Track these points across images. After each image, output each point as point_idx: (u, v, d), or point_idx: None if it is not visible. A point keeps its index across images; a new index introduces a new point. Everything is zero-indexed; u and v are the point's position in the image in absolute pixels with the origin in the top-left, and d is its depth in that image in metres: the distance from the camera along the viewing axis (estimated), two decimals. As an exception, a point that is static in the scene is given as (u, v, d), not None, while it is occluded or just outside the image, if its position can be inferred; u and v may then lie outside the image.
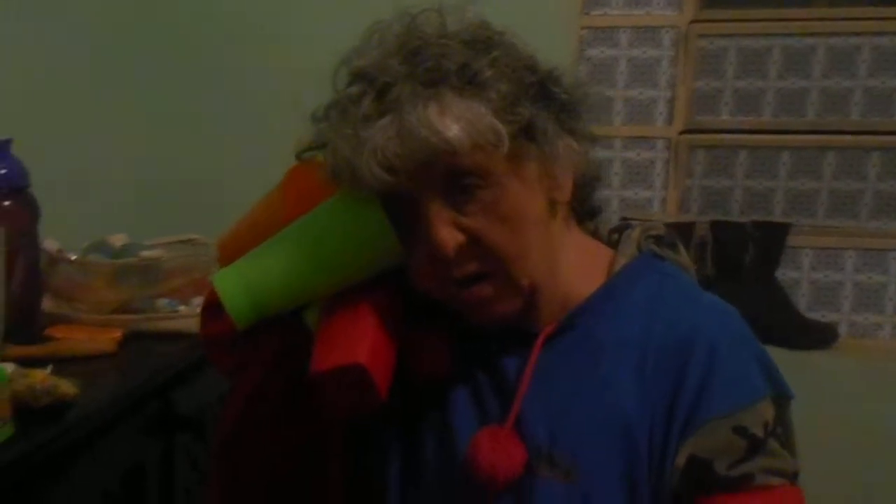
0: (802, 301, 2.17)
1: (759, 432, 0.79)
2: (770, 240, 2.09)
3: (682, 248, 0.94)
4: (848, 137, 2.13)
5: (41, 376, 0.97)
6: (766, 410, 0.81)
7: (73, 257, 1.30)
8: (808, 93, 2.14)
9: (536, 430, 0.83)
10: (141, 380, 1.16)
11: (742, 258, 2.10)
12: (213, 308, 0.87)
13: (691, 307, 0.87)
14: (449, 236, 0.78)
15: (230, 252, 0.89)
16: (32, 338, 1.18)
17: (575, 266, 0.88)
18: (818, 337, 2.10)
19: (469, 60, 0.78)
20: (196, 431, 1.24)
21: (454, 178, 0.78)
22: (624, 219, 0.98)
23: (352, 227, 0.82)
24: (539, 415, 0.84)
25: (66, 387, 0.98)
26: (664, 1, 2.14)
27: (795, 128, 2.15)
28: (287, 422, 0.89)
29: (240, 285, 0.82)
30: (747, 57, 2.15)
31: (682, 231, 2.12)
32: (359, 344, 0.79)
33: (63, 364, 1.10)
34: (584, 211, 0.92)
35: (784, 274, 2.15)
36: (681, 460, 0.79)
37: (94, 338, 1.22)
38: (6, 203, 1.15)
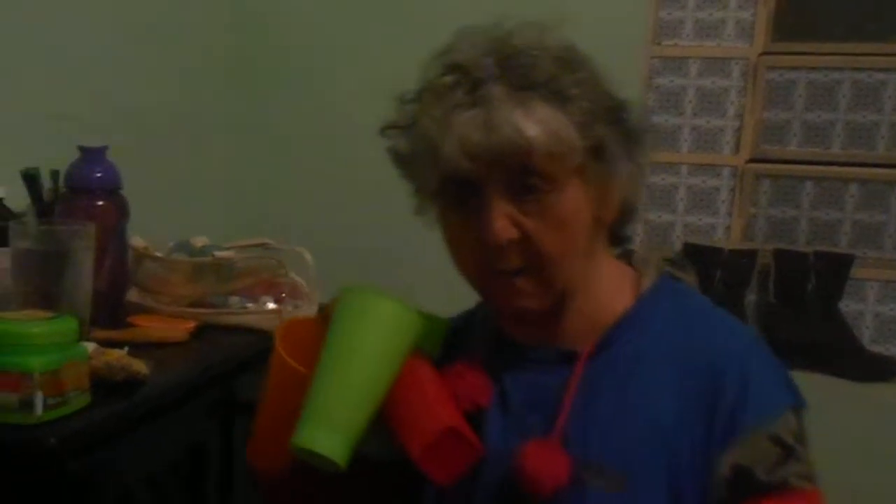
0: (866, 333, 2.16)
1: (790, 440, 0.87)
2: (832, 271, 2.10)
3: (691, 270, 1.03)
4: (917, 171, 2.13)
5: (117, 355, 1.10)
6: (792, 419, 0.88)
7: (158, 254, 1.44)
8: (877, 126, 2.14)
9: (583, 442, 0.88)
10: (207, 366, 1.28)
11: (804, 287, 2.11)
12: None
13: (714, 325, 0.95)
14: (504, 229, 0.85)
15: (270, 449, 0.96)
16: (116, 324, 1.32)
17: (606, 282, 0.96)
18: (879, 369, 2.09)
19: (558, 75, 0.85)
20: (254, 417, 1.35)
21: (522, 176, 0.85)
22: (626, 250, 1.03)
23: (382, 326, 0.88)
24: (584, 428, 0.89)
25: (139, 366, 1.11)
26: (735, 33, 2.19)
27: (864, 160, 2.16)
28: None
29: (328, 432, 0.85)
30: (816, 89, 2.17)
31: (746, 258, 2.15)
32: (436, 412, 0.87)
33: (140, 348, 1.22)
34: (617, 236, 0.98)
35: (848, 306, 2.15)
36: (725, 470, 0.86)
37: (169, 327, 1.35)
38: (99, 203, 1.29)
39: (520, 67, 0.85)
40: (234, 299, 1.48)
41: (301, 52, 2.21)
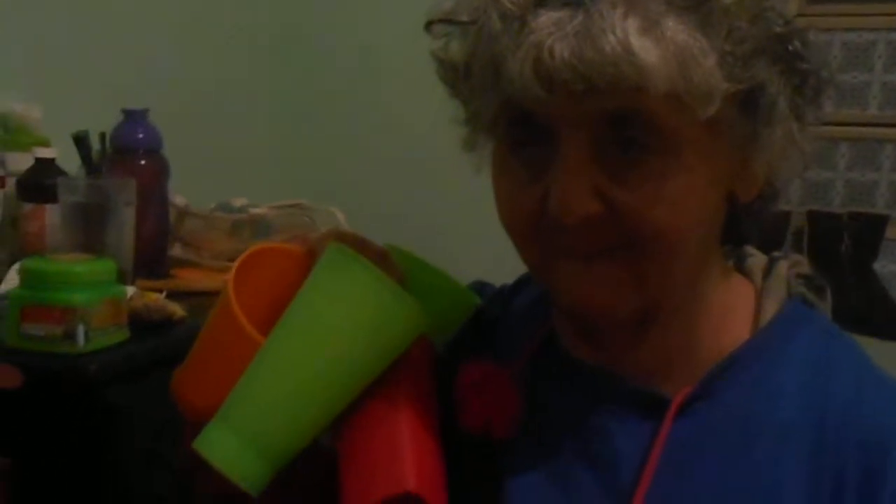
0: (902, 294, 2.17)
1: None
2: (867, 231, 2.11)
3: (828, 294, 0.72)
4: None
5: (155, 297, 1.20)
6: None
7: (197, 211, 1.54)
8: (914, 86, 2.14)
9: None
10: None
11: (838, 249, 2.12)
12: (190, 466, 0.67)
13: (875, 390, 0.65)
14: (579, 201, 0.58)
15: (194, 397, 0.70)
16: (159, 275, 1.42)
17: (719, 303, 0.67)
18: (914, 329, 2.09)
19: None
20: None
21: (621, 123, 0.57)
22: (735, 250, 0.73)
23: (363, 316, 0.63)
24: None
25: (175, 308, 1.20)
26: (769, -5, 2.19)
27: (900, 121, 2.16)
28: None
29: (242, 446, 0.61)
30: (851, 51, 2.16)
31: (779, 220, 2.17)
32: (401, 463, 0.62)
33: (179, 296, 1.32)
34: (735, 231, 0.69)
35: (884, 266, 2.15)
36: None
37: (208, 278, 1.45)
38: (141, 162, 1.38)
39: None
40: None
41: (343, 23, 2.29)
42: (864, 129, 2.18)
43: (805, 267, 0.71)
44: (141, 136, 1.39)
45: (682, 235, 0.60)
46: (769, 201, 0.67)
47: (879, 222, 2.11)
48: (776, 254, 0.72)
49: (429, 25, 0.64)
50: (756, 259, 0.71)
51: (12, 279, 1.22)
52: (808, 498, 0.61)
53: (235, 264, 0.70)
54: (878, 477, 0.60)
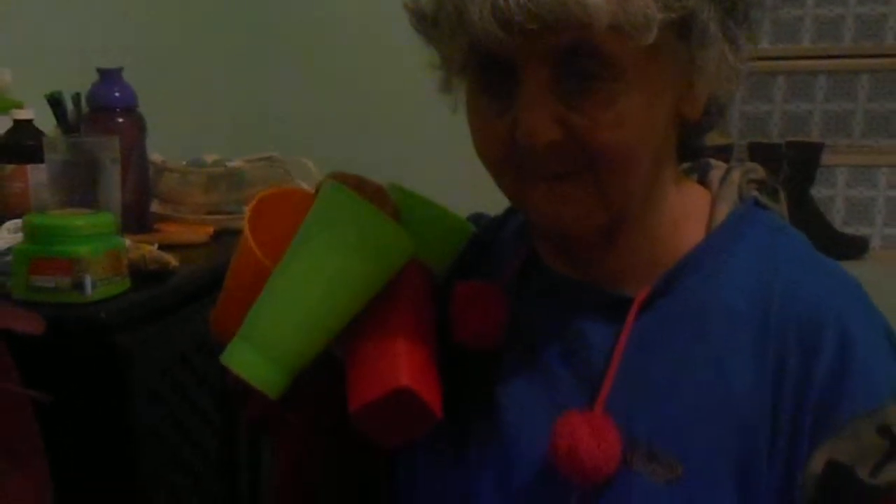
0: (837, 217, 2.31)
1: None
2: (803, 158, 2.24)
3: (782, 197, 0.80)
4: (882, 60, 2.24)
5: (149, 248, 1.25)
6: None
7: (175, 167, 1.58)
8: (843, 19, 2.25)
9: (631, 416, 0.70)
10: (226, 261, 1.43)
11: (777, 176, 2.25)
12: (241, 388, 0.75)
13: (813, 274, 0.73)
14: (543, 127, 0.65)
15: (227, 326, 0.77)
16: (143, 231, 1.47)
17: (674, 210, 0.75)
18: (850, 248, 2.23)
19: None
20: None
21: (573, 56, 0.64)
22: (698, 164, 0.81)
23: (354, 240, 0.71)
24: (634, 398, 0.70)
25: (170, 258, 1.26)
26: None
27: (832, 53, 2.27)
28: (340, 464, 0.84)
29: (258, 356, 0.71)
30: (784, -13, 2.27)
31: (723, 152, 2.28)
32: (395, 364, 0.70)
33: (167, 248, 1.37)
34: (689, 145, 0.77)
35: (820, 192, 2.29)
36: (817, 466, 0.66)
37: (191, 231, 1.50)
38: (119, 120, 1.42)
39: None
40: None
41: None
42: (798, 62, 2.30)
43: (758, 173, 0.79)
44: (117, 94, 1.42)
45: (634, 152, 0.68)
46: (714, 118, 0.75)
47: (815, 150, 2.24)
48: (733, 164, 0.81)
49: None
50: (717, 171, 0.80)
51: (3, 238, 1.26)
52: (755, 375, 0.68)
53: (251, 205, 0.82)
54: (813, 352, 0.67)
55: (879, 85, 2.26)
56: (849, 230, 2.29)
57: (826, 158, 2.25)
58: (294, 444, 0.85)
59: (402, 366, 0.70)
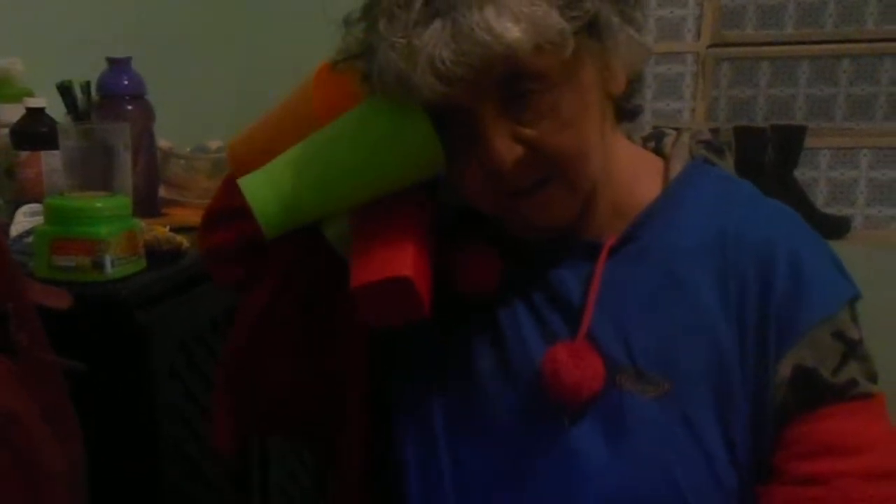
0: (820, 197, 2.38)
1: (854, 335, 0.78)
2: (787, 141, 2.30)
3: (728, 155, 0.90)
4: (863, 45, 2.31)
5: (162, 230, 1.30)
6: (851, 311, 0.79)
7: (182, 153, 1.63)
8: (825, 6, 2.32)
9: (610, 344, 0.80)
10: (235, 243, 1.48)
11: (762, 159, 2.31)
12: (217, 216, 0.88)
13: (760, 210, 0.84)
14: (506, 149, 0.74)
15: (246, 157, 0.84)
16: (153, 215, 1.52)
17: (627, 170, 0.85)
18: (832, 228, 2.30)
19: None
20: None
21: (511, 84, 0.73)
22: (655, 127, 0.93)
23: (392, 132, 0.77)
24: (611, 328, 0.80)
25: (182, 239, 1.31)
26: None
27: (814, 38, 2.34)
28: (303, 335, 0.90)
29: (272, 191, 0.77)
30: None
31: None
32: (402, 256, 0.76)
33: (177, 231, 1.42)
34: (627, 109, 0.86)
35: (803, 173, 2.36)
36: (785, 371, 0.76)
37: (198, 215, 1.55)
38: (129, 107, 1.47)
39: None
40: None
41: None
42: (782, 48, 2.36)
43: (705, 134, 0.90)
44: (126, 82, 1.47)
45: (586, 144, 0.77)
46: (636, 83, 0.85)
47: (799, 133, 2.30)
48: (666, 129, 0.92)
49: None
50: (669, 137, 0.91)
51: (20, 221, 1.31)
52: (721, 302, 0.78)
53: (322, 66, 0.84)
54: (769, 274, 0.78)
55: (860, 69, 2.32)
56: (831, 211, 2.36)
57: (809, 141, 2.32)
58: (261, 300, 0.91)
59: (408, 257, 0.76)
